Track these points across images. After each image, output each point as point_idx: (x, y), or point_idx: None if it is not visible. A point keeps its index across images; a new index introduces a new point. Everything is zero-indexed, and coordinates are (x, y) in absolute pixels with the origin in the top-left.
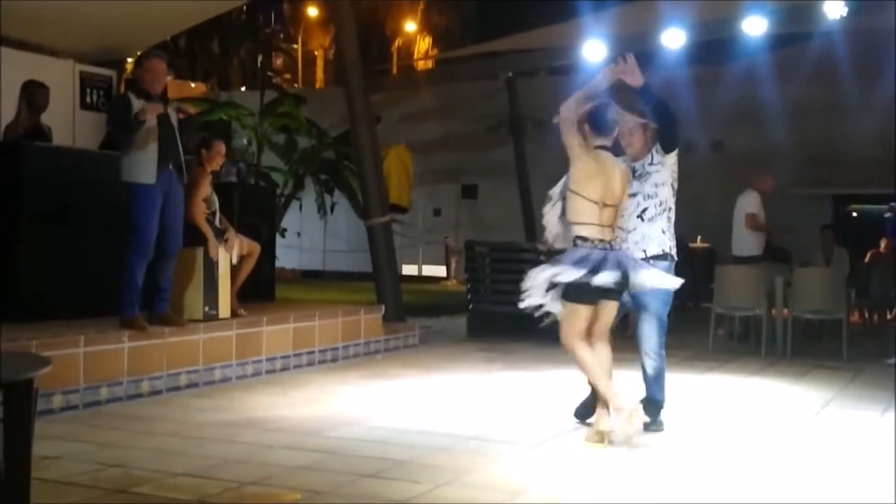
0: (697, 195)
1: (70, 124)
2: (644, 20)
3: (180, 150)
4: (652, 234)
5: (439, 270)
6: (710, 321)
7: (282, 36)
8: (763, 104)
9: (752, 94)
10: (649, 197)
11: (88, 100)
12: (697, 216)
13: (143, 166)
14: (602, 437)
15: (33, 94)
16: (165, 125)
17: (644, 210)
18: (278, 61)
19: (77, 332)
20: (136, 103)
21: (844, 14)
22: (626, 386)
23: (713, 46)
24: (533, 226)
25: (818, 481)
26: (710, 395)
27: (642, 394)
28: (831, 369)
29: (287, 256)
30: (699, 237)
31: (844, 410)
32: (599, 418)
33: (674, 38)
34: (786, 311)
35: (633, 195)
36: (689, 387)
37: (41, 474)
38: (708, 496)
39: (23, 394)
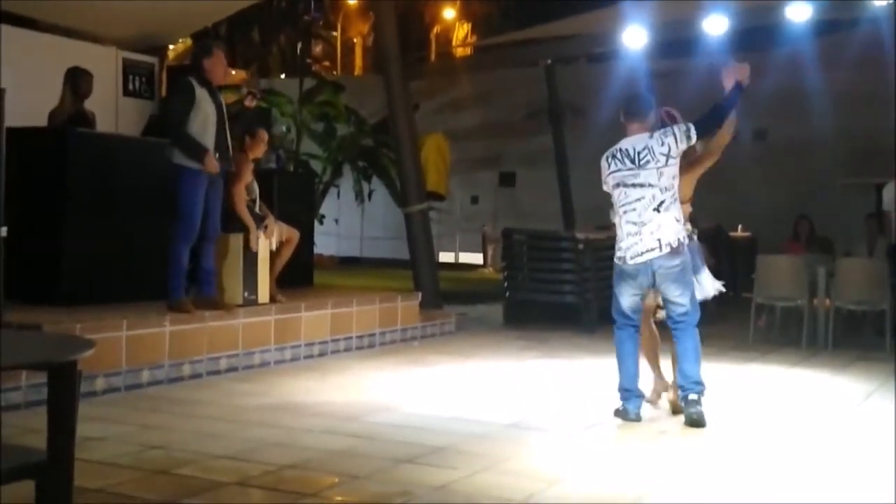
0: (740, 184)
1: (113, 111)
2: (686, 6)
3: (228, 139)
4: (667, 223)
5: (476, 258)
6: (750, 311)
7: (321, 23)
8: (807, 92)
9: (797, 82)
10: (666, 189)
11: (131, 86)
12: (739, 205)
13: None
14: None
15: (77, 81)
16: (220, 116)
17: (661, 203)
18: (317, 49)
19: (119, 315)
20: (199, 91)
21: (891, 0)
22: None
23: (756, 33)
24: (571, 214)
25: (860, 473)
26: (750, 385)
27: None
28: (874, 361)
29: (325, 243)
30: (740, 226)
31: (887, 402)
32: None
33: (716, 25)
34: (828, 301)
35: (650, 186)
36: (728, 377)
37: (84, 455)
38: (746, 487)
39: (66, 376)
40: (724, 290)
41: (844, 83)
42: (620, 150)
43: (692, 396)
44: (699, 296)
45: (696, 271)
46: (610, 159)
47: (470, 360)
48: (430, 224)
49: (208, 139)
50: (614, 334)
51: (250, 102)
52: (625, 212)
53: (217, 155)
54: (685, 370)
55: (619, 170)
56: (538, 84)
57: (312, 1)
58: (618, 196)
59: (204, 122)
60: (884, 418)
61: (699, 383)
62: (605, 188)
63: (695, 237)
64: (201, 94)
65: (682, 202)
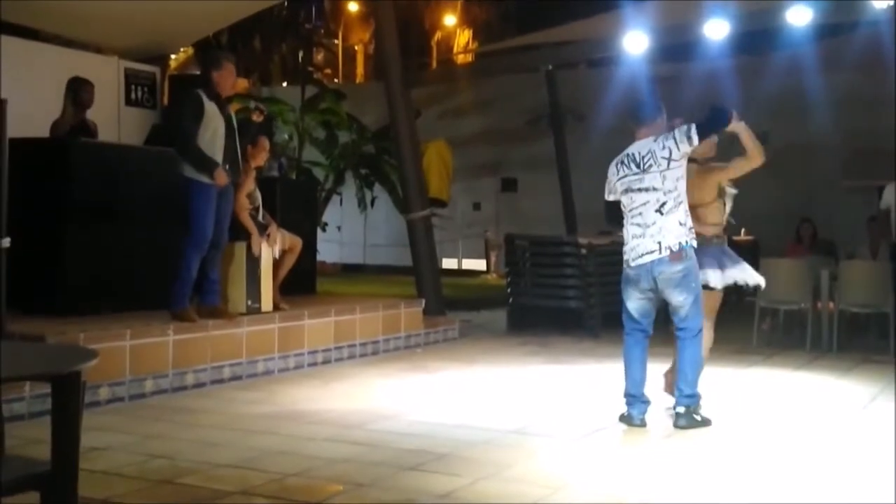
0: (742, 187)
1: (115, 120)
2: (686, 10)
3: (238, 150)
4: (669, 225)
5: (479, 264)
6: (754, 315)
7: (322, 31)
8: (809, 95)
9: (798, 84)
10: (669, 192)
11: (133, 96)
12: (742, 209)
13: None
14: None
15: (79, 91)
16: (229, 128)
17: (663, 204)
18: (319, 56)
19: (123, 325)
20: (208, 104)
21: (892, 3)
22: None
23: (757, 37)
24: (574, 219)
25: (865, 475)
26: (754, 389)
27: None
28: (878, 364)
29: (328, 250)
30: (743, 230)
31: (892, 405)
32: None
33: (717, 29)
34: (831, 304)
35: (654, 190)
36: (732, 381)
37: (88, 465)
38: (751, 491)
39: (71, 386)
40: (762, 284)
41: (846, 86)
42: (628, 155)
43: (680, 409)
44: (749, 280)
45: (735, 265)
46: (619, 165)
47: (474, 366)
48: (432, 230)
49: (217, 152)
50: (624, 339)
51: (258, 117)
52: (632, 216)
53: (227, 167)
54: (679, 381)
55: (626, 175)
56: (539, 90)
57: (313, 9)
58: (627, 202)
59: (213, 135)
60: (888, 421)
61: (690, 396)
62: (609, 197)
63: (723, 241)
64: (210, 106)
65: (701, 205)
